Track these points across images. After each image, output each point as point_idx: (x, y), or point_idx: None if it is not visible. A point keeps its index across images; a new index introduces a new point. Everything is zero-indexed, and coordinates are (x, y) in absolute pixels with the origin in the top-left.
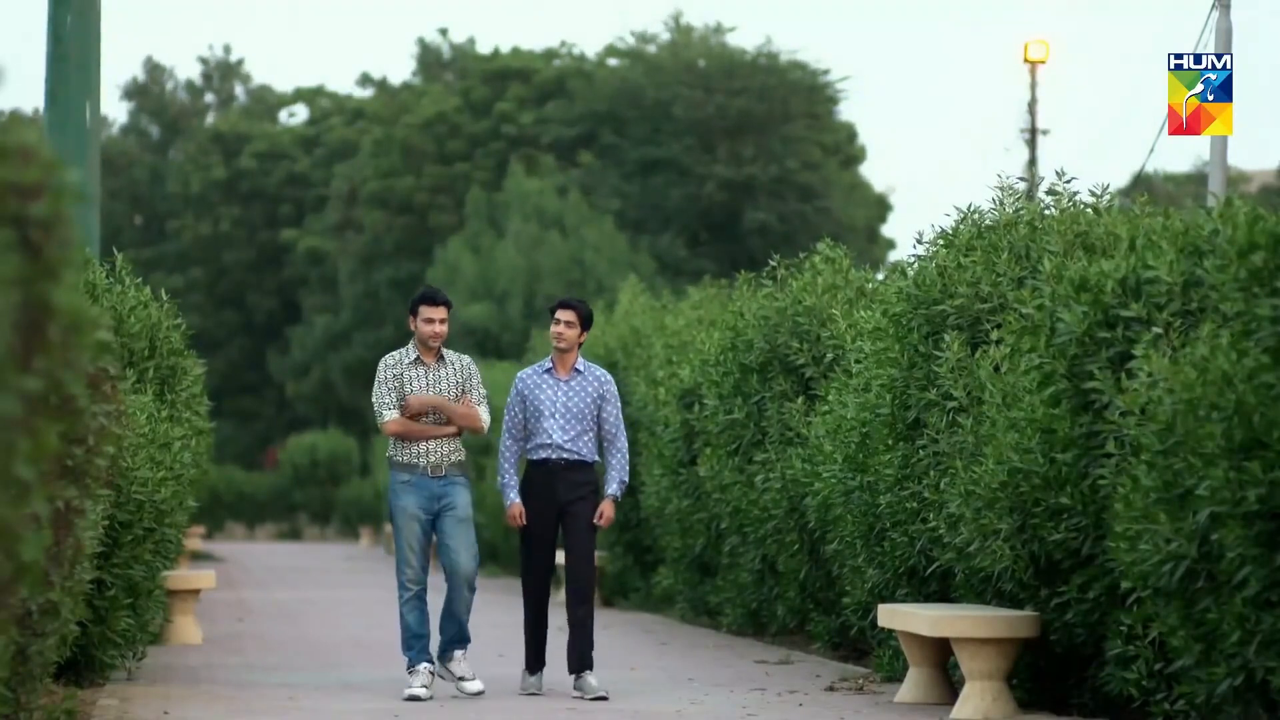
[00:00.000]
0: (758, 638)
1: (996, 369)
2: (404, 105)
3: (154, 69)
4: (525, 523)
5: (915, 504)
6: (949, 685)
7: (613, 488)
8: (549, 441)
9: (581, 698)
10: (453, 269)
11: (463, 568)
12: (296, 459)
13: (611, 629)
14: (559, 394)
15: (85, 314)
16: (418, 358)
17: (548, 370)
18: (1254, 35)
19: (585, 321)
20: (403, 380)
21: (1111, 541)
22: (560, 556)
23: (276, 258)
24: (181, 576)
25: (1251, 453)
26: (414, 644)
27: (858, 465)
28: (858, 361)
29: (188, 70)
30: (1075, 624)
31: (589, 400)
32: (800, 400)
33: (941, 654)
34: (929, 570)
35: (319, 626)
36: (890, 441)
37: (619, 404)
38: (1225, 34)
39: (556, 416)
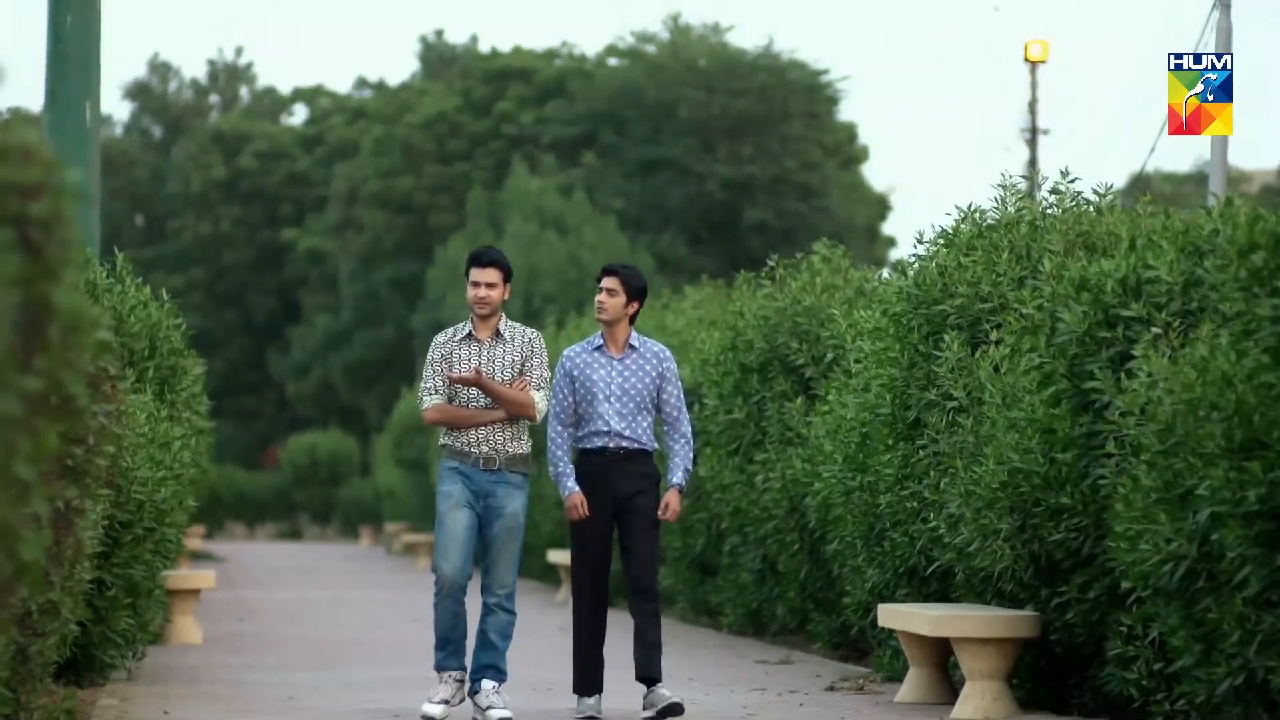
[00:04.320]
0: (758, 638)
1: (996, 369)
2: (404, 105)
3: (158, 68)
4: (588, 513)
5: (915, 504)
6: (949, 685)
7: (677, 476)
8: (604, 428)
9: (651, 714)
10: (453, 269)
11: (498, 584)
12: (296, 459)
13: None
14: (613, 374)
15: (85, 314)
16: (470, 333)
17: (598, 348)
18: (1254, 35)
19: (633, 291)
20: (451, 361)
21: (1111, 541)
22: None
23: (276, 258)
24: (181, 576)
25: (1251, 453)
26: (444, 646)
27: (858, 465)
28: (858, 361)
29: (193, 70)
30: (1075, 624)
31: (647, 381)
32: (800, 400)
33: (941, 654)
34: (929, 570)
35: (319, 626)
36: (890, 441)
37: (680, 383)
38: (1225, 34)
39: (611, 400)
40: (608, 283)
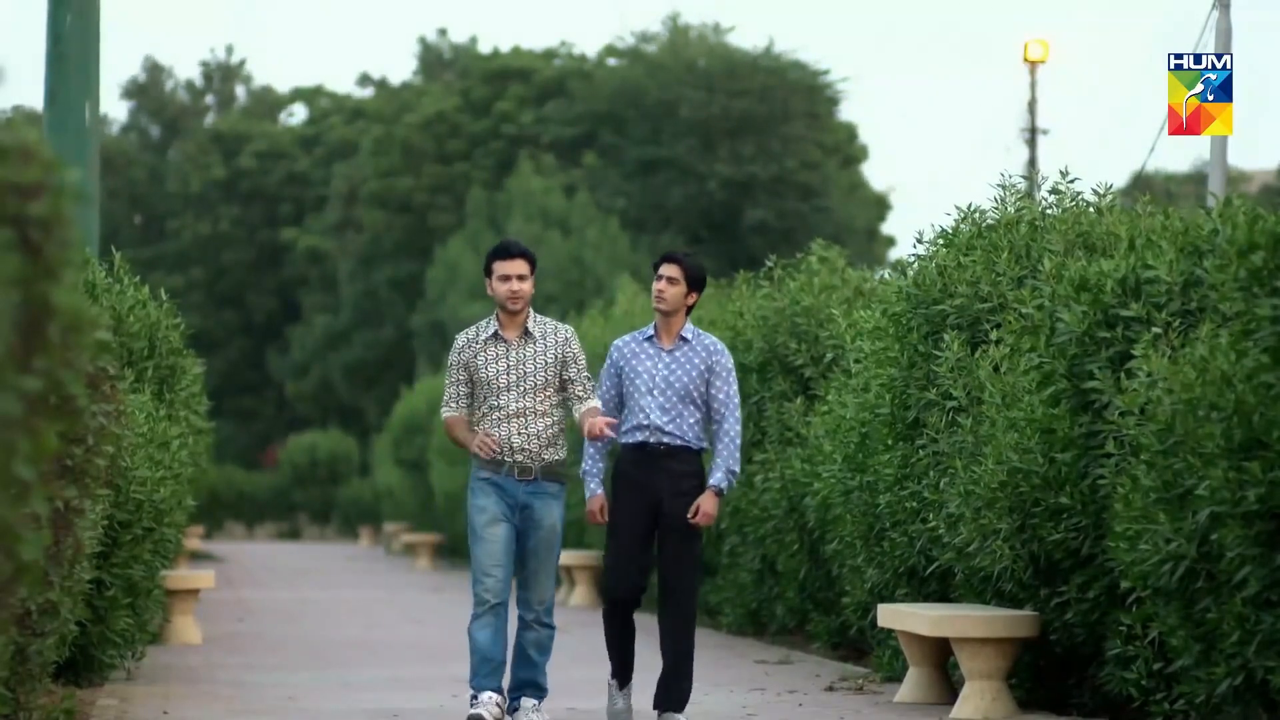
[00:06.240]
0: (757, 638)
1: (996, 369)
2: (404, 105)
3: (154, 69)
4: (606, 519)
5: (915, 504)
6: (949, 685)
7: (716, 476)
8: (646, 422)
9: None
10: (453, 269)
11: (537, 599)
12: (296, 459)
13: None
14: (659, 366)
15: (85, 314)
16: (496, 332)
17: (649, 338)
18: (1254, 35)
19: (694, 281)
20: (474, 365)
21: (1111, 541)
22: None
23: (276, 257)
24: (181, 576)
25: (1251, 453)
26: (481, 668)
27: (857, 465)
28: (857, 361)
29: (188, 70)
30: (1075, 624)
31: (695, 374)
32: (799, 400)
33: (941, 654)
34: (929, 570)
35: (319, 626)
36: (890, 441)
37: (733, 379)
38: (1225, 34)
39: (655, 393)
40: (668, 270)
